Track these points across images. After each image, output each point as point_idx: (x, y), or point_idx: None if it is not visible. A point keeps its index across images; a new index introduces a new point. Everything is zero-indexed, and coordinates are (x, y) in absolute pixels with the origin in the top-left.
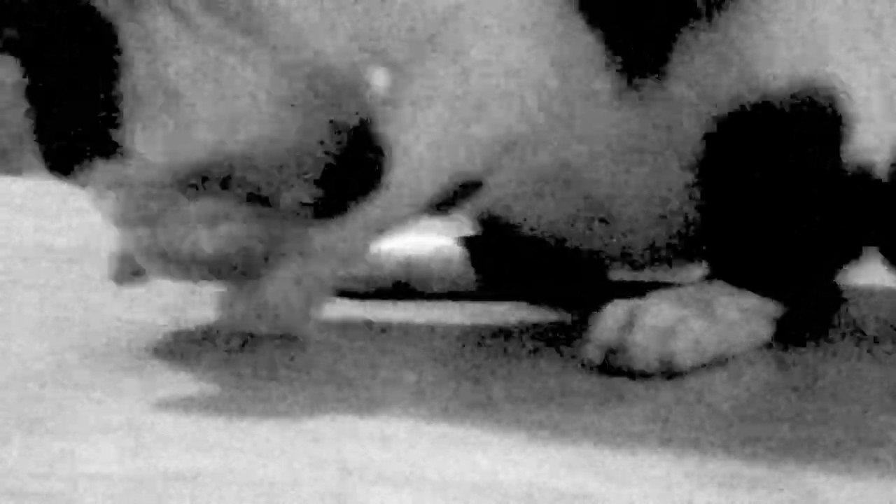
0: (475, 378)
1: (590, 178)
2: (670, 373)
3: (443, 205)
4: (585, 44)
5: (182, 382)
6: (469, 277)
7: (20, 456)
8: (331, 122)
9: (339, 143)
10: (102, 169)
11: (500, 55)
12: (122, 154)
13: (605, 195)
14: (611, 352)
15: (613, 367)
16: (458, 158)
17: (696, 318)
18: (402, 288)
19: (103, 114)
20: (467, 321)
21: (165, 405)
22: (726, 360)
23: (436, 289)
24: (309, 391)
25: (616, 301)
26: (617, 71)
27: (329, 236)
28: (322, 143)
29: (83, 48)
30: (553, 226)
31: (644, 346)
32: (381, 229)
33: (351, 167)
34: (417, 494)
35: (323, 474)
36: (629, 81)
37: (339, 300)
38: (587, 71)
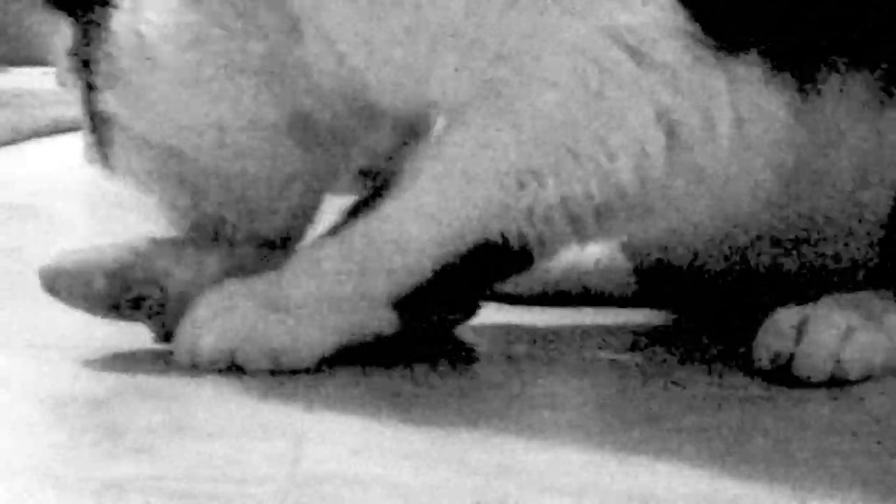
0: (637, 386)
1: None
2: (837, 381)
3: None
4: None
5: (337, 386)
6: (628, 283)
7: (182, 459)
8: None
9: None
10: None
11: (592, 123)
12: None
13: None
14: (779, 358)
15: (782, 373)
16: (489, 222)
17: (866, 327)
18: (562, 293)
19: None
20: (628, 327)
21: (321, 408)
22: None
23: (594, 292)
24: (471, 397)
25: (785, 308)
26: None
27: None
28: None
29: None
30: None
31: (814, 355)
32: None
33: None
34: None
35: (487, 481)
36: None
37: (496, 305)
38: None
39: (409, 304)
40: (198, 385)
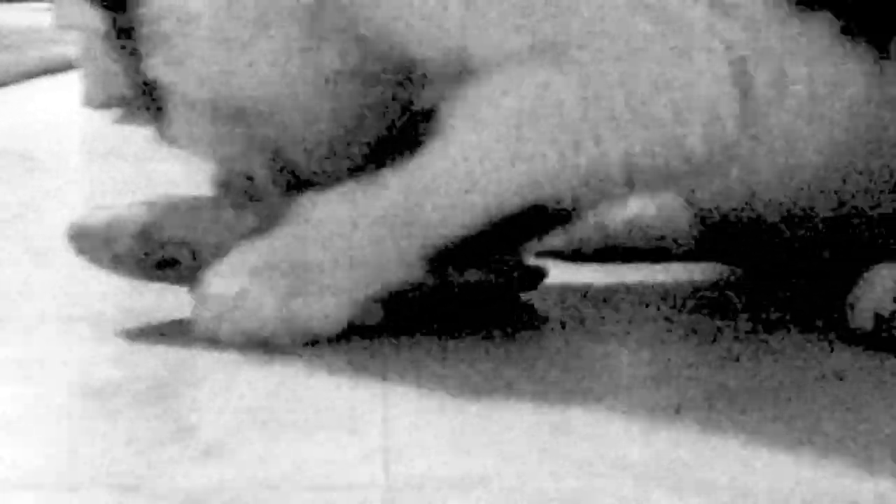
0: (711, 355)
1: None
2: None
3: (519, 234)
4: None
5: (409, 365)
6: (690, 236)
7: (266, 462)
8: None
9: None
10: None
11: (657, 79)
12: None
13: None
14: (881, 320)
15: (886, 335)
16: (520, 183)
17: None
18: (622, 247)
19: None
20: (696, 284)
21: (397, 393)
22: None
23: (655, 246)
24: (550, 380)
25: (882, 266)
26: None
27: (326, 208)
28: (364, 122)
29: None
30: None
31: None
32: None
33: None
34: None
35: (589, 479)
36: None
37: (555, 262)
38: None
39: (444, 260)
40: (260, 368)
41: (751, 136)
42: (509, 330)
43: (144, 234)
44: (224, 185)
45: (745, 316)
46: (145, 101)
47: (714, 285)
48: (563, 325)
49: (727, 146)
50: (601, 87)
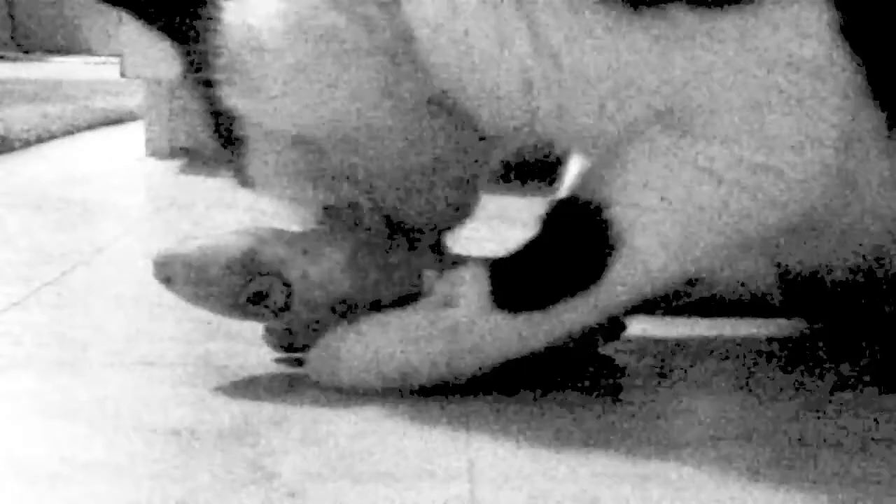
0: (790, 412)
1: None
2: None
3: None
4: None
5: (491, 413)
6: (773, 292)
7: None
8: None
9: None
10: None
11: (770, 134)
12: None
13: None
14: None
15: None
16: (694, 256)
17: None
18: (704, 301)
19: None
20: (777, 338)
21: (480, 440)
22: None
23: (738, 300)
24: (631, 432)
25: None
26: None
27: (520, 324)
28: (446, 161)
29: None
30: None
31: None
32: (584, 325)
33: (563, 247)
34: None
35: None
36: None
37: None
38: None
39: None
40: (341, 413)
41: (848, 189)
42: (590, 381)
43: (238, 264)
44: (326, 216)
45: (828, 370)
46: (221, 135)
47: (796, 339)
48: (643, 378)
49: (828, 196)
50: (720, 158)
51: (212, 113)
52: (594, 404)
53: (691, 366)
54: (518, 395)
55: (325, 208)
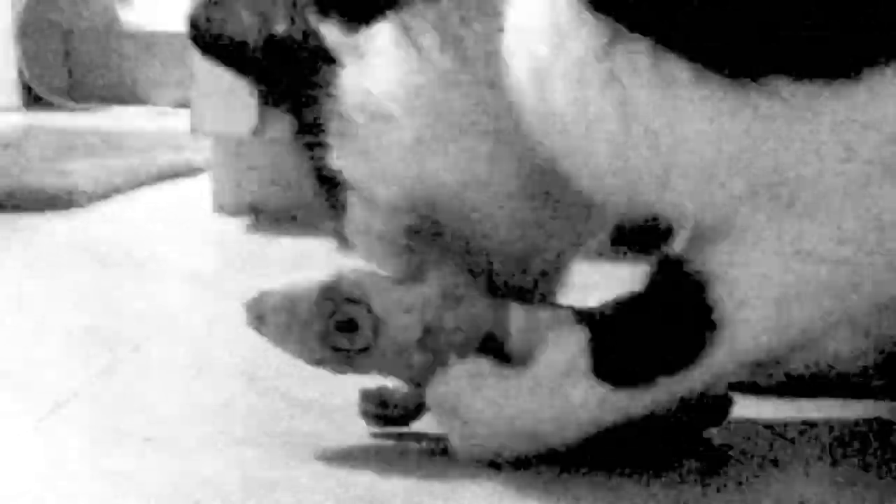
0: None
1: None
2: None
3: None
4: None
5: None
6: (871, 371)
7: None
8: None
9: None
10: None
11: (877, 211)
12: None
13: None
14: None
15: None
16: (793, 335)
17: None
18: (803, 382)
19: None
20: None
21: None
22: None
23: (837, 380)
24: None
25: None
26: None
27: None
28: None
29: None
30: None
31: None
32: (676, 400)
33: (664, 318)
34: None
35: None
36: None
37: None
38: None
39: None
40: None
41: None
42: (693, 463)
43: (325, 292)
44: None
45: None
46: (324, 197)
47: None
48: (746, 460)
49: None
50: (848, 232)
51: (318, 176)
52: (696, 486)
53: (794, 448)
54: (623, 477)
55: (414, 232)
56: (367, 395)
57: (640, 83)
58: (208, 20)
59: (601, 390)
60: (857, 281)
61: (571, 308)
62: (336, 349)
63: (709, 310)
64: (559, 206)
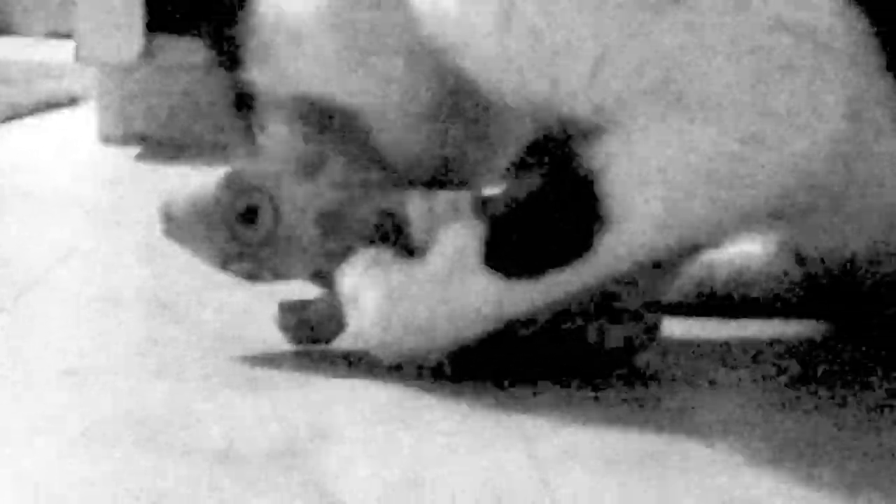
0: (822, 419)
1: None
2: None
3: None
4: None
5: (562, 426)
6: (796, 291)
7: None
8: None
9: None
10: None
11: (766, 104)
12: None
13: None
14: None
15: None
16: (687, 231)
17: None
18: (727, 301)
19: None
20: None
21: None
22: None
23: (760, 300)
24: (670, 434)
25: None
26: None
27: (506, 293)
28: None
29: None
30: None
31: None
32: (569, 295)
33: (555, 213)
34: None
35: None
36: None
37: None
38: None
39: None
40: (397, 428)
41: (864, 165)
42: (623, 388)
43: (227, 182)
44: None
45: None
46: (240, 118)
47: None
48: (675, 383)
49: (843, 169)
50: (720, 125)
51: (235, 96)
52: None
53: (717, 369)
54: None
55: (309, 114)
56: (285, 307)
57: None
58: None
59: (492, 282)
60: (748, 177)
61: (470, 195)
62: (240, 241)
63: (596, 204)
64: (472, 126)
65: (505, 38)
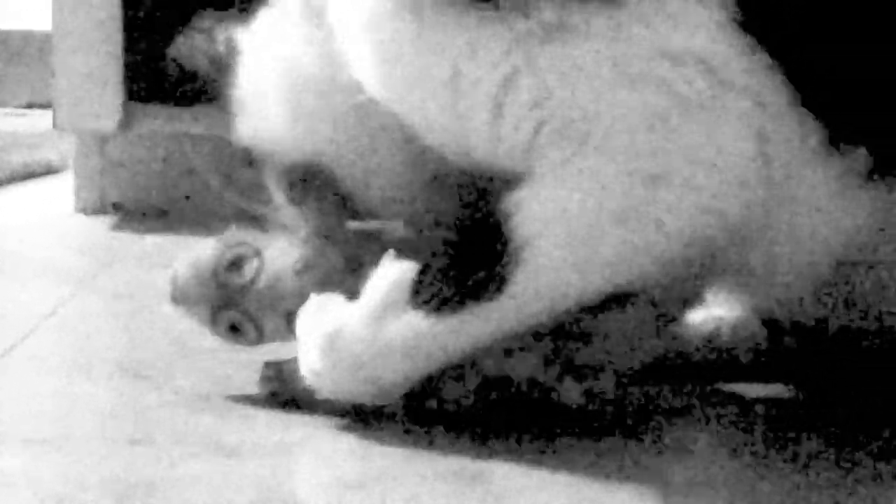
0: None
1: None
2: None
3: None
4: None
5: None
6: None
7: None
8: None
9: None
10: None
11: (685, 149)
12: None
13: None
14: None
15: None
16: (601, 273)
17: None
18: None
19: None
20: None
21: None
22: None
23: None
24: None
25: None
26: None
27: (425, 331)
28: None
29: None
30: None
31: None
32: (493, 334)
33: (474, 252)
34: None
35: None
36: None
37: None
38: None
39: None
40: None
41: (781, 206)
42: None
43: (221, 240)
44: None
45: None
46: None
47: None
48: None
49: (757, 208)
50: (622, 167)
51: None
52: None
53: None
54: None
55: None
56: (269, 365)
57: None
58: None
59: (419, 318)
60: (657, 218)
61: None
62: (226, 289)
63: (507, 245)
64: (439, 184)
65: (428, 100)
